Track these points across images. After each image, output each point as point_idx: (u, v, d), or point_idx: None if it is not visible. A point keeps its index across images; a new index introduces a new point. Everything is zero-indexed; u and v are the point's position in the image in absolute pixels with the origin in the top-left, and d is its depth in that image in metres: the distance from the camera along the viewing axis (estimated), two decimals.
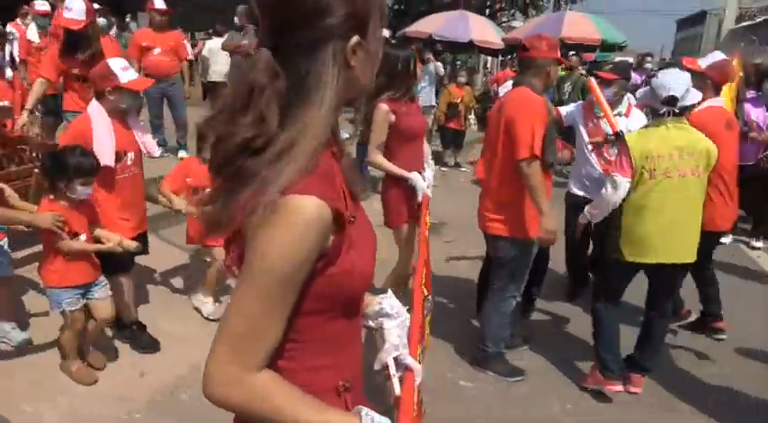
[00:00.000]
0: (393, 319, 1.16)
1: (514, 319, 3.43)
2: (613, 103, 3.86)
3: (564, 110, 4.30)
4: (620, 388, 3.16)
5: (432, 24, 11.59)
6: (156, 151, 3.39)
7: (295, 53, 0.88)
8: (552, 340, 3.81)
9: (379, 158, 3.29)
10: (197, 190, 3.44)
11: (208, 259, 3.87)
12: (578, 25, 10.58)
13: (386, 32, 9.91)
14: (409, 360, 1.16)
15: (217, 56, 7.85)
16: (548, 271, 4.09)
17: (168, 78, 6.18)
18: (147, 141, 3.25)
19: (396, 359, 1.14)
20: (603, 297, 3.22)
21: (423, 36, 11.06)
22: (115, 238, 2.86)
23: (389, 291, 1.23)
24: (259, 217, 0.81)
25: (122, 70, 2.97)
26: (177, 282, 4.29)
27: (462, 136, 9.42)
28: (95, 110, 2.99)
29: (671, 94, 2.90)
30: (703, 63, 3.74)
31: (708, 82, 3.64)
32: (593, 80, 3.81)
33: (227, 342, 0.85)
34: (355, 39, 0.89)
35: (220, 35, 8.06)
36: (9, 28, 7.00)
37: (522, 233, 3.08)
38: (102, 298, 2.95)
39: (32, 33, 6.46)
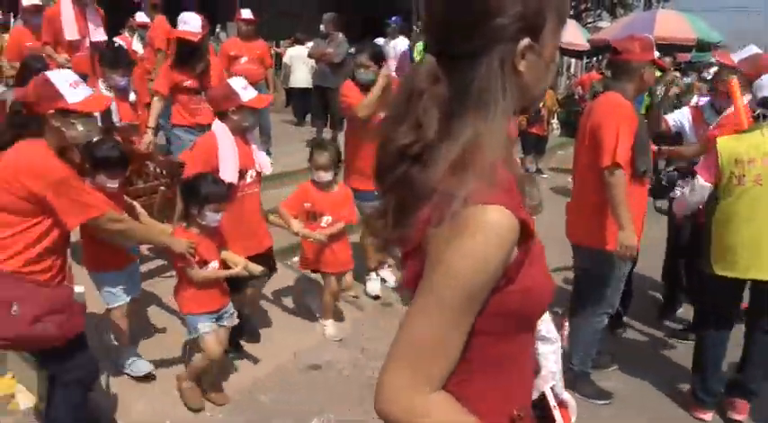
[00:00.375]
0: (550, 344, 1.08)
1: (602, 336, 3.26)
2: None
3: (671, 118, 4.07)
4: (709, 417, 2.95)
5: None
6: (269, 168, 3.37)
7: (459, 58, 0.84)
8: (642, 360, 3.59)
9: None
10: (314, 215, 3.47)
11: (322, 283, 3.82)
12: (671, 24, 9.98)
13: None
14: (566, 394, 1.07)
15: (298, 63, 8.03)
16: (639, 285, 3.87)
17: (254, 86, 6.39)
18: (262, 158, 3.27)
19: (552, 389, 1.05)
20: (705, 317, 3.00)
21: None
22: (241, 262, 2.87)
23: (546, 313, 1.14)
24: (445, 229, 0.77)
25: (243, 89, 3.04)
26: (284, 303, 4.15)
27: (545, 141, 9.12)
28: (219, 129, 3.03)
29: (766, 95, 2.70)
30: (736, 57, 3.49)
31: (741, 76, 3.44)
32: (735, 80, 3.54)
33: (405, 358, 0.81)
34: (526, 41, 0.83)
35: (302, 43, 8.25)
36: (117, 40, 7.50)
37: (602, 244, 2.92)
38: (228, 326, 2.94)
39: (136, 44, 6.85)
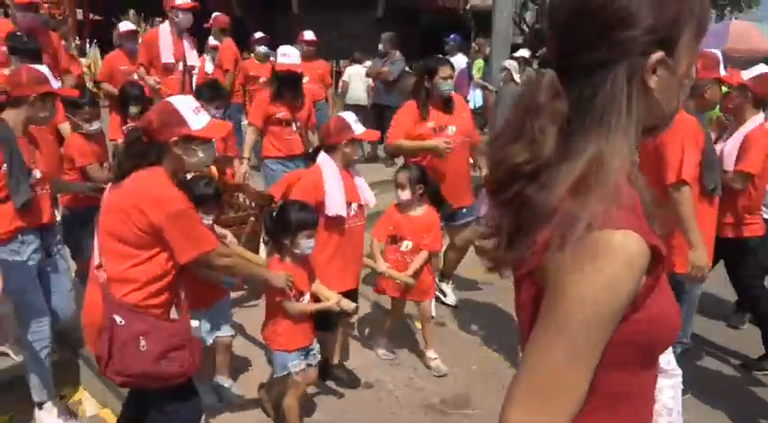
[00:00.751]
0: (667, 378, 1.02)
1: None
2: None
3: None
4: None
5: None
6: (373, 201, 3.26)
7: (582, 72, 0.79)
8: (717, 390, 3.38)
9: None
10: (395, 239, 3.39)
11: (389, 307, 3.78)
12: (745, 36, 9.52)
13: (525, 52, 9.73)
14: None
15: (356, 81, 8.18)
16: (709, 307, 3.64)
17: (315, 104, 6.55)
18: (366, 191, 3.18)
19: None
20: None
21: None
22: (333, 297, 2.77)
23: None
24: (568, 255, 0.73)
25: (355, 123, 3.03)
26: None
27: None
28: (326, 162, 3.00)
29: None
30: (746, 75, 3.25)
31: (749, 95, 3.23)
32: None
33: (531, 395, 0.76)
34: (658, 55, 0.77)
35: (359, 62, 8.39)
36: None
37: (670, 267, 2.76)
38: (314, 364, 2.86)
39: (208, 65, 7.17)
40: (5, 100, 2.71)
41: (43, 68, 2.76)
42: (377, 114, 7.53)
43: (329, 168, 2.97)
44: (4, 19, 5.08)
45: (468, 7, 15.58)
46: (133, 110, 4.20)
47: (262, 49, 7.36)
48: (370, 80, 7.84)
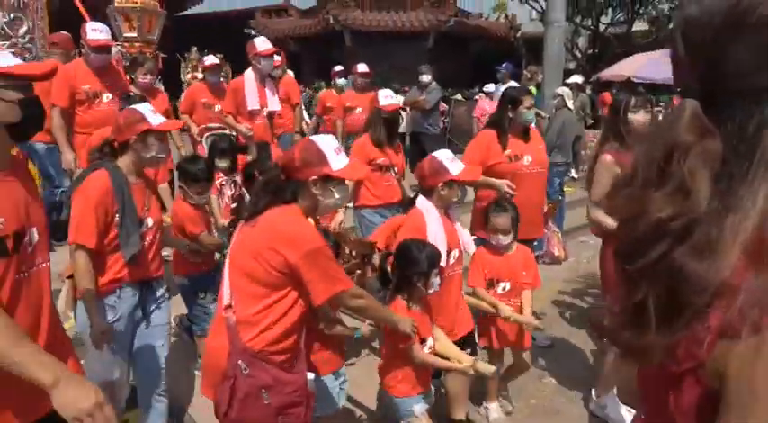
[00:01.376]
0: None
1: None
2: None
3: None
4: None
5: (631, 66, 10.94)
6: (473, 247, 3.05)
7: (737, 103, 0.65)
8: None
9: (600, 215, 2.88)
10: (492, 282, 3.11)
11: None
12: None
13: (578, 78, 9.61)
14: None
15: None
16: None
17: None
18: (465, 236, 2.96)
19: None
20: None
21: (620, 79, 10.46)
22: (466, 359, 2.54)
23: None
24: (765, 349, 0.58)
25: (452, 162, 2.82)
26: None
27: None
28: (426, 206, 2.82)
29: None
30: None
31: None
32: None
33: None
34: None
35: (404, 93, 8.54)
36: None
37: None
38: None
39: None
40: (116, 147, 2.61)
41: (141, 107, 2.63)
42: (415, 141, 7.84)
43: (431, 213, 2.80)
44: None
45: (519, 35, 15.61)
46: (222, 164, 4.04)
47: (341, 81, 7.77)
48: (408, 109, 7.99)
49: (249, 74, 4.95)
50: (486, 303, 3.02)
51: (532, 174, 3.66)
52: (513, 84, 9.47)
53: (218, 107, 5.55)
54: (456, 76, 14.11)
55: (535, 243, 3.84)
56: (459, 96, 12.10)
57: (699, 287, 0.61)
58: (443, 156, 2.84)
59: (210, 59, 5.93)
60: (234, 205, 3.94)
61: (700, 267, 0.61)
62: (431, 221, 2.77)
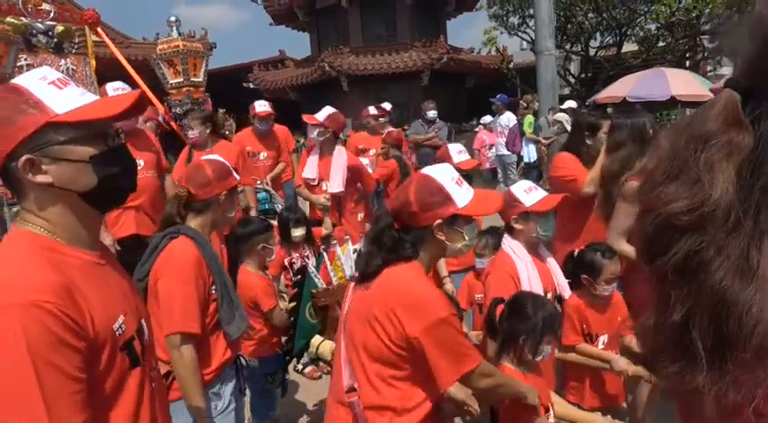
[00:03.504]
0: None
1: None
2: None
3: None
4: None
5: (624, 87, 11.10)
6: (568, 291, 2.69)
7: None
8: None
9: (626, 247, 2.66)
10: (590, 337, 2.71)
11: None
12: (685, 82, 9.29)
13: (572, 103, 9.75)
14: None
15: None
16: None
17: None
18: (560, 276, 2.61)
19: None
20: None
21: (615, 101, 10.59)
22: (602, 421, 2.18)
23: None
24: None
25: (526, 193, 2.47)
26: None
27: None
28: (512, 246, 2.47)
29: None
30: None
31: None
32: None
33: None
34: None
35: (404, 130, 8.73)
36: None
37: None
38: None
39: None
40: (188, 203, 2.16)
41: (224, 160, 2.27)
42: None
43: (519, 254, 2.44)
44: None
45: (511, 65, 15.91)
46: (297, 233, 3.67)
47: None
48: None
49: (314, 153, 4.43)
50: (594, 358, 2.60)
51: None
52: (509, 114, 9.63)
53: (263, 155, 5.34)
54: (452, 110, 14.38)
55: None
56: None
57: (746, 321, 0.49)
58: (518, 186, 2.52)
59: (261, 107, 5.36)
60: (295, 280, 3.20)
61: (744, 294, 0.50)
62: (521, 265, 2.40)
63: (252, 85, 16.49)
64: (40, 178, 1.07)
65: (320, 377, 3.92)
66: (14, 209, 4.69)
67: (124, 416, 1.12)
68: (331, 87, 15.17)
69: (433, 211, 1.67)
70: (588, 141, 3.29)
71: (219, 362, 2.12)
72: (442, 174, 1.74)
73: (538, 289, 2.37)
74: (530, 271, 2.40)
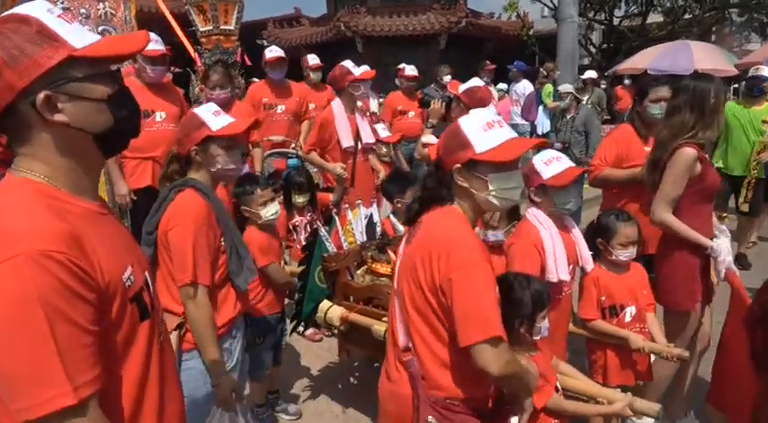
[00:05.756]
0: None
1: None
2: None
3: None
4: None
5: (646, 58, 10.79)
6: (591, 264, 2.62)
7: None
8: None
9: (671, 218, 2.58)
10: (613, 310, 2.62)
11: None
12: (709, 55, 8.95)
13: (592, 73, 9.50)
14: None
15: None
16: None
17: (414, 140, 6.63)
18: (585, 251, 2.55)
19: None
20: None
21: (636, 72, 10.33)
22: (621, 397, 2.02)
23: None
24: None
25: (546, 164, 2.38)
26: None
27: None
28: (536, 215, 2.40)
29: None
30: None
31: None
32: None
33: None
34: None
35: (426, 96, 8.54)
36: None
37: None
38: None
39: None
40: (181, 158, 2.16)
41: (202, 108, 2.14)
42: None
43: (545, 226, 2.36)
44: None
45: (531, 32, 15.52)
46: (299, 199, 3.69)
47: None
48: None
49: (338, 105, 4.21)
50: (610, 335, 2.56)
51: None
52: (525, 82, 9.43)
53: (281, 108, 4.98)
54: (468, 76, 14.05)
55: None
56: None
57: None
58: (541, 156, 2.42)
59: (273, 52, 5.01)
60: (306, 243, 3.13)
61: None
62: (545, 235, 2.34)
63: (266, 43, 16.25)
64: (58, 117, 1.00)
65: (321, 339, 3.94)
66: None
67: (134, 369, 1.10)
68: (346, 48, 14.90)
69: (451, 155, 1.65)
70: (637, 108, 3.28)
71: (230, 316, 2.11)
72: (470, 117, 1.69)
73: (562, 260, 2.32)
74: (555, 241, 2.34)
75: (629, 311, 2.60)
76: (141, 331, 1.11)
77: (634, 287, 2.64)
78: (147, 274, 1.21)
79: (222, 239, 2.06)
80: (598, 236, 2.63)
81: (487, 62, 8.83)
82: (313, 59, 5.70)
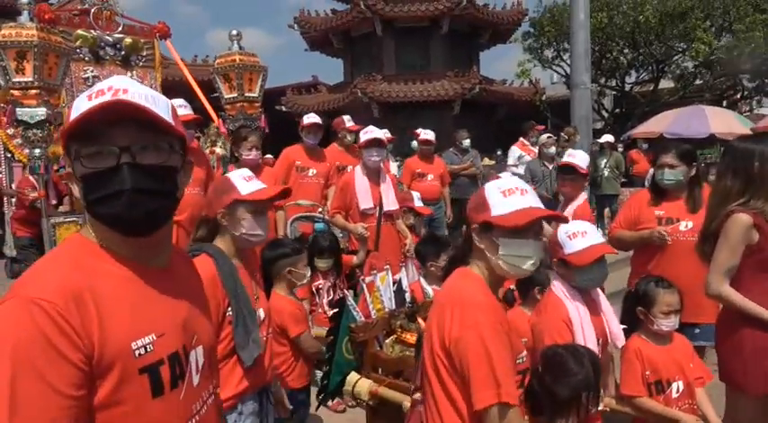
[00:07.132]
0: None
1: None
2: None
3: None
4: None
5: (662, 122, 10.90)
6: (622, 341, 2.43)
7: None
8: None
9: (729, 290, 2.36)
10: (660, 386, 2.43)
11: None
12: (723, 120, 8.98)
13: (609, 138, 9.54)
14: None
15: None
16: None
17: (436, 202, 6.64)
18: (614, 326, 2.38)
19: None
20: None
21: (652, 136, 10.39)
22: None
23: None
24: None
25: (570, 238, 2.29)
26: None
27: None
28: (562, 289, 2.30)
29: None
30: None
31: None
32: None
33: None
34: None
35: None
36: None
37: None
38: None
39: None
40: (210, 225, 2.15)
41: (234, 174, 2.16)
42: (460, 209, 7.65)
43: (570, 298, 2.27)
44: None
45: (543, 98, 15.81)
46: (322, 265, 3.57)
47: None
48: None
49: (359, 169, 4.31)
50: (658, 414, 2.35)
51: (689, 242, 2.92)
52: (545, 137, 9.47)
53: (312, 171, 5.04)
54: (480, 140, 14.24)
55: (697, 330, 3.04)
56: (487, 160, 12.17)
57: None
58: (566, 227, 2.31)
59: (311, 118, 5.12)
60: (333, 313, 2.94)
61: None
62: (572, 309, 2.22)
63: (284, 109, 16.67)
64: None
65: (344, 410, 3.75)
66: (52, 221, 4.70)
67: None
68: (362, 113, 15.24)
69: (473, 214, 1.67)
70: (655, 173, 3.33)
71: (234, 392, 1.98)
72: (497, 181, 1.70)
73: (590, 335, 2.19)
74: (582, 315, 2.22)
75: (677, 387, 2.39)
76: (151, 409, 1.01)
77: (680, 360, 2.45)
78: (195, 348, 1.13)
79: (228, 309, 1.97)
80: (638, 304, 2.46)
81: (533, 122, 8.98)
82: (349, 121, 5.83)
